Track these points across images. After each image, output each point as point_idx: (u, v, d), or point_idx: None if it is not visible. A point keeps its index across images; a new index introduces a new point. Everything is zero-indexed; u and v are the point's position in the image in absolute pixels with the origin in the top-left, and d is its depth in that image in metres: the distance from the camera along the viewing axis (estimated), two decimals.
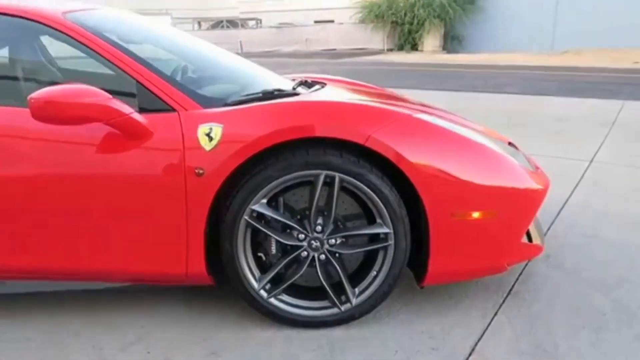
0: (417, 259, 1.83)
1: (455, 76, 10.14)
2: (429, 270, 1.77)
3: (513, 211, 1.82)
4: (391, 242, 1.75)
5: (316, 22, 22.56)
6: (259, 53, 18.88)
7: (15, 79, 1.98)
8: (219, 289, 1.92)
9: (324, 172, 1.67)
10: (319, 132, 1.64)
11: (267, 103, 1.80)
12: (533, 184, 1.87)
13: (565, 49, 16.05)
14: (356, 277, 1.84)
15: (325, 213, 1.76)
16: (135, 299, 2.03)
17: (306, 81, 2.52)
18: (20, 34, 1.97)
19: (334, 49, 19.83)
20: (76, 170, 1.69)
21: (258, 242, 1.80)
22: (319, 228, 1.76)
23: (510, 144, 2.30)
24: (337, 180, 1.68)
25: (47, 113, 1.54)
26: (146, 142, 1.67)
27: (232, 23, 25.25)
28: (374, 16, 19.50)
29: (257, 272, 1.80)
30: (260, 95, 1.94)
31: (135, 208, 1.70)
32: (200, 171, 1.65)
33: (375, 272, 1.80)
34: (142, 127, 1.65)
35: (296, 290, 1.83)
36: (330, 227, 1.76)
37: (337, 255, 1.79)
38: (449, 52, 18.47)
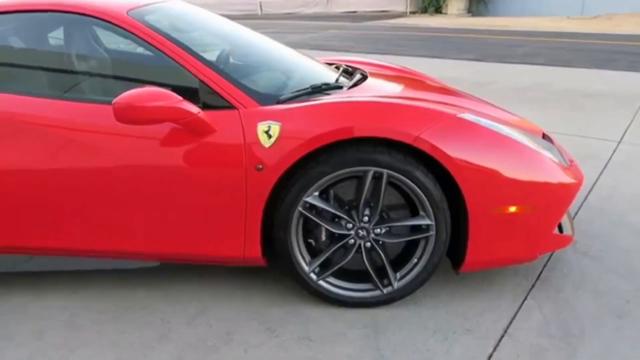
0: (454, 247, 1.97)
1: (478, 44, 9.96)
2: (467, 258, 1.92)
3: (547, 205, 1.93)
4: (432, 233, 1.89)
5: None
6: (279, 15, 18.62)
7: (82, 76, 2.11)
8: (270, 270, 2.10)
9: (373, 169, 1.80)
10: (371, 133, 1.76)
11: (321, 102, 1.91)
12: (567, 179, 1.98)
13: (596, 13, 15.49)
14: (398, 263, 2.00)
15: (372, 205, 1.90)
16: (193, 277, 2.22)
17: (346, 70, 2.62)
18: (86, 31, 2.09)
19: (355, 11, 19.41)
20: (148, 164, 1.85)
21: (308, 230, 1.96)
22: (365, 219, 1.91)
23: (544, 135, 2.39)
24: (385, 176, 1.81)
25: (128, 116, 1.69)
26: (210, 138, 1.81)
27: None
28: None
29: (307, 257, 1.96)
30: (310, 90, 2.06)
31: (200, 199, 1.86)
32: (260, 166, 1.79)
33: (416, 260, 1.95)
34: (207, 125, 1.79)
35: (342, 273, 2.00)
36: (376, 217, 1.91)
37: (381, 242, 1.94)
38: (474, 15, 17.97)
